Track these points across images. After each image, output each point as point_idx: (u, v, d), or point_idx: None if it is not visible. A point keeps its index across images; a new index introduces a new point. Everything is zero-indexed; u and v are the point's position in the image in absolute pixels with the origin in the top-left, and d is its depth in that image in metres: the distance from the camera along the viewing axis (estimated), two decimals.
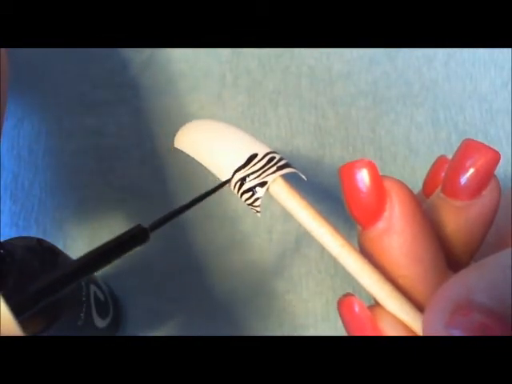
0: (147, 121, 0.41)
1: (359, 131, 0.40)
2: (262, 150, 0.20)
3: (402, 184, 0.18)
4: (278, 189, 0.19)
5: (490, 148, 0.18)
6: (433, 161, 0.23)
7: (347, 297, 0.19)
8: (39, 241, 0.28)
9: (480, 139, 0.42)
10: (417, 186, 0.37)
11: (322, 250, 0.37)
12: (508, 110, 0.40)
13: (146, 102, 0.42)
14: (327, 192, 0.38)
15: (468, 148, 0.18)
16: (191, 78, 0.42)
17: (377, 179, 0.18)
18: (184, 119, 0.22)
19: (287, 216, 0.37)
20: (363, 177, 0.18)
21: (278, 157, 0.20)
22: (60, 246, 0.30)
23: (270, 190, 0.19)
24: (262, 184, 0.19)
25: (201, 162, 0.21)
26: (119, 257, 0.17)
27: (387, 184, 0.18)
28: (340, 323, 0.35)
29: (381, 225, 0.18)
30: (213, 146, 0.20)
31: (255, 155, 0.19)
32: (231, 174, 0.19)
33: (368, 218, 0.18)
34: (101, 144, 0.41)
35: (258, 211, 0.19)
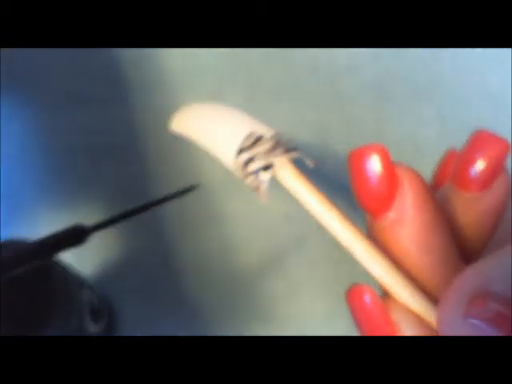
0: (141, 118, 0.41)
1: (363, 128, 0.40)
2: (268, 131, 0.19)
3: (414, 172, 0.18)
4: (285, 172, 0.18)
5: (500, 138, 0.18)
6: (439, 157, 0.22)
7: (357, 286, 0.19)
8: (30, 244, 0.27)
9: None
10: None
11: (324, 251, 0.38)
12: None
13: (140, 98, 0.42)
14: (330, 190, 0.38)
15: (478, 138, 0.18)
16: (188, 73, 0.42)
17: (388, 166, 0.17)
18: None
19: (288, 217, 0.38)
20: (374, 163, 0.17)
21: (284, 139, 0.19)
22: None
23: (277, 173, 0.18)
24: (269, 166, 0.18)
25: (201, 144, 0.20)
26: (54, 254, 0.17)
27: (400, 172, 0.18)
28: (341, 325, 0.35)
29: (392, 214, 0.18)
30: (215, 126, 0.20)
31: (261, 136, 0.19)
32: (235, 155, 0.19)
33: (379, 207, 0.18)
34: (92, 142, 0.41)
35: (262, 196, 0.18)
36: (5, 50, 0.42)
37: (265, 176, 0.18)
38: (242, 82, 0.42)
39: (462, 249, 0.19)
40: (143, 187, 0.39)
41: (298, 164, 0.19)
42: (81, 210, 0.39)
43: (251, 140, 0.19)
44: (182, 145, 0.39)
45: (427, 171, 0.37)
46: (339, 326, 0.35)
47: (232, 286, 0.37)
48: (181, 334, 0.36)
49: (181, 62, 0.42)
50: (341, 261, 0.37)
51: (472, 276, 0.16)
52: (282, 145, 0.19)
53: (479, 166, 0.18)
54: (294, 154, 0.19)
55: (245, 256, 0.38)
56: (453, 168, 0.19)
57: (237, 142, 0.19)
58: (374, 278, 0.18)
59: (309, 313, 0.36)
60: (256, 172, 0.18)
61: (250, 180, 0.19)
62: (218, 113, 0.21)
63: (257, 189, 0.19)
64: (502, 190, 0.18)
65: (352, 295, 0.19)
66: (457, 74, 0.41)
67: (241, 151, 0.19)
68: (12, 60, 0.42)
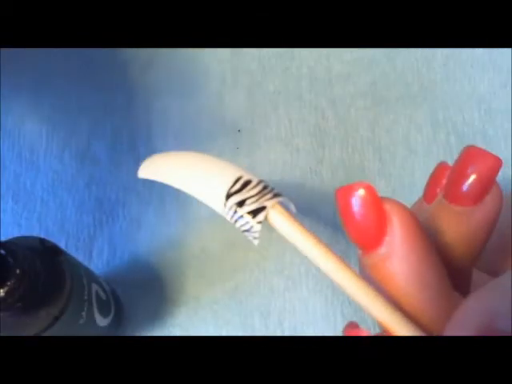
0: (146, 122, 0.41)
1: (358, 132, 0.40)
2: (254, 176, 0.19)
3: (402, 206, 0.18)
4: (278, 215, 0.18)
5: (491, 154, 0.18)
6: (432, 161, 0.22)
7: (353, 328, 0.18)
8: (41, 240, 0.28)
9: (478, 140, 0.42)
10: (415, 187, 0.38)
11: None
12: (506, 111, 0.40)
13: (145, 102, 0.42)
14: (326, 194, 0.38)
15: (469, 154, 0.18)
16: (192, 79, 0.42)
17: (376, 202, 0.17)
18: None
19: None
20: (361, 200, 0.17)
21: (270, 185, 0.19)
22: (62, 246, 0.30)
23: (269, 215, 0.18)
24: (261, 209, 0.18)
25: (183, 188, 0.19)
26: None
27: (387, 206, 0.17)
28: (339, 321, 0.35)
29: (383, 250, 0.17)
30: (200, 170, 0.19)
31: (250, 181, 0.18)
32: (224, 198, 0.18)
33: (369, 242, 0.17)
34: (101, 144, 0.41)
35: (255, 237, 0.18)
36: (5, 50, 0.42)
37: (257, 219, 0.18)
38: (242, 87, 0.42)
39: (453, 263, 0.19)
40: (149, 191, 0.39)
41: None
42: (91, 212, 0.39)
43: (240, 184, 0.18)
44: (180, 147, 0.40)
45: (419, 174, 0.38)
46: (336, 321, 0.36)
47: (233, 283, 0.37)
48: (183, 331, 0.36)
49: (185, 68, 0.42)
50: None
51: (475, 311, 0.15)
52: (270, 189, 0.18)
53: (471, 181, 0.18)
54: (282, 198, 0.18)
55: (245, 253, 0.38)
56: (444, 183, 0.19)
57: (226, 185, 0.18)
58: (371, 316, 0.18)
59: (307, 307, 0.36)
60: (249, 214, 0.18)
61: (239, 223, 0.18)
62: (200, 159, 0.20)
63: (247, 231, 0.18)
64: (493, 204, 0.18)
65: (348, 332, 0.18)
66: (448, 80, 0.41)
67: (230, 195, 0.18)
68: (23, 63, 0.43)
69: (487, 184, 0.18)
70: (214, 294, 0.37)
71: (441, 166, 0.21)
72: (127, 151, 0.41)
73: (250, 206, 0.18)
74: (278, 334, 0.36)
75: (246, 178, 0.19)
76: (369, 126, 0.40)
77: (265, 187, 0.18)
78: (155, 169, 0.20)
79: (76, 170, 0.40)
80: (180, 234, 0.38)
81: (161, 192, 0.39)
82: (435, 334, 0.17)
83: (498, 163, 0.18)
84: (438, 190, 0.20)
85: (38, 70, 0.43)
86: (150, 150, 0.40)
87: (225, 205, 0.18)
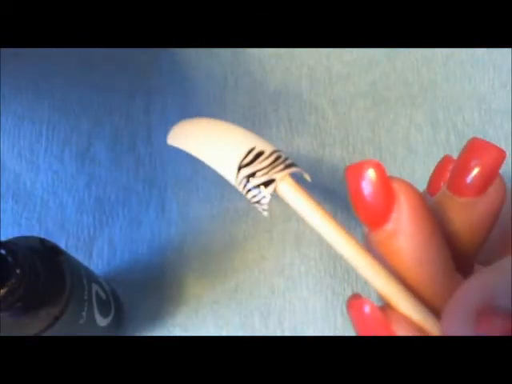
0: (146, 122, 0.41)
1: (359, 132, 0.40)
2: (268, 147, 0.19)
3: (409, 185, 0.18)
4: (286, 187, 0.18)
5: (495, 146, 0.18)
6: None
7: (357, 298, 0.18)
8: (41, 240, 0.28)
9: None
10: (415, 186, 0.38)
11: (322, 249, 0.37)
12: (506, 111, 0.40)
13: (145, 102, 0.42)
14: (327, 192, 0.38)
15: (474, 146, 0.18)
16: (192, 79, 0.42)
17: (384, 180, 0.18)
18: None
19: (287, 216, 0.39)
20: (370, 178, 0.17)
21: (284, 155, 0.19)
22: (62, 246, 0.30)
23: (278, 188, 0.18)
24: (271, 181, 0.18)
25: (201, 158, 0.20)
26: None
27: (395, 185, 0.18)
28: (339, 321, 0.36)
29: (389, 227, 0.18)
30: (215, 142, 0.20)
31: (262, 152, 0.19)
32: (236, 170, 0.19)
33: (376, 219, 0.18)
34: (101, 144, 0.41)
35: (264, 209, 0.18)
36: (5, 50, 0.42)
37: (266, 191, 0.18)
38: (243, 87, 0.42)
39: (456, 253, 0.19)
40: (147, 191, 0.40)
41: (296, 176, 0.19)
42: (91, 212, 0.39)
43: (252, 156, 0.19)
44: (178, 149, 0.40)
45: (419, 174, 0.38)
46: (336, 321, 0.36)
47: (233, 283, 0.37)
48: (183, 331, 0.36)
49: (187, 69, 0.43)
50: (338, 256, 0.37)
51: (475, 289, 0.16)
52: (282, 160, 0.19)
53: (474, 172, 0.18)
54: (294, 169, 0.19)
55: (245, 253, 0.38)
56: (449, 175, 0.19)
57: (238, 157, 0.19)
58: (374, 289, 0.18)
59: (307, 307, 0.37)
60: (258, 186, 0.18)
61: (251, 194, 0.18)
62: (218, 128, 0.20)
63: (257, 203, 0.18)
64: (496, 196, 0.18)
65: (352, 307, 0.19)
66: (448, 80, 0.41)
67: (242, 167, 0.18)
68: (24, 63, 0.43)
69: (491, 175, 0.18)
70: (214, 293, 0.37)
71: (445, 159, 0.21)
72: (127, 151, 0.41)
73: (260, 178, 0.18)
74: (278, 333, 0.36)
75: (258, 149, 0.19)
76: (369, 126, 0.40)
77: (277, 158, 0.19)
78: (180, 136, 0.21)
79: (76, 170, 0.40)
80: (180, 233, 0.38)
81: (161, 192, 0.39)
82: (436, 310, 0.18)
83: (502, 155, 0.18)
84: (442, 183, 0.20)
85: (37, 70, 0.43)
86: (150, 150, 0.40)
87: (236, 177, 0.19)
